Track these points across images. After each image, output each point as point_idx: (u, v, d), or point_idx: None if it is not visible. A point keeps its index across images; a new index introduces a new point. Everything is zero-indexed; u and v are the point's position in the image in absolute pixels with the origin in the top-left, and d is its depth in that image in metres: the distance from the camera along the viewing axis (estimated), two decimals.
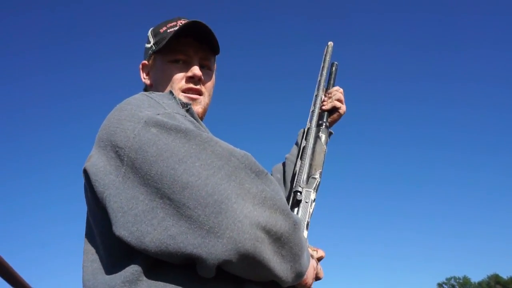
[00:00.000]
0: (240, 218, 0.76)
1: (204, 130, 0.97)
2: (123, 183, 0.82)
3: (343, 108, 1.51)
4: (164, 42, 1.15)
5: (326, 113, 1.48)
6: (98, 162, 0.87)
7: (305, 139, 1.40)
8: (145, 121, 0.85)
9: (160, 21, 1.27)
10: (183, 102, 0.99)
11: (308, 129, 1.43)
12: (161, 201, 0.78)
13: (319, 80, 1.53)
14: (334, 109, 1.50)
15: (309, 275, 0.95)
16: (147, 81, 1.25)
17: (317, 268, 1.03)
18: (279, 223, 0.80)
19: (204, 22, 1.15)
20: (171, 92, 1.02)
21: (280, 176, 1.50)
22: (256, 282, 0.85)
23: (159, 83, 1.19)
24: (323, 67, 1.56)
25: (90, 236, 0.97)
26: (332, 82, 1.57)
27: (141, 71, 1.27)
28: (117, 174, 0.84)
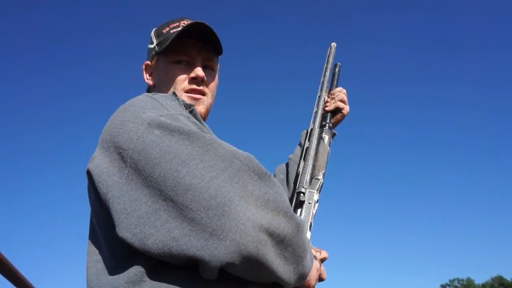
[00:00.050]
0: (243, 221, 0.76)
1: (207, 131, 0.97)
2: (126, 184, 0.82)
3: (346, 108, 1.50)
4: (167, 43, 1.15)
5: (329, 114, 1.48)
6: (102, 163, 0.87)
7: (308, 140, 1.39)
8: (148, 123, 0.85)
9: (162, 21, 1.27)
10: (186, 104, 0.99)
11: (311, 130, 1.42)
12: (164, 203, 0.78)
13: (322, 81, 1.53)
14: (337, 110, 1.49)
15: (312, 276, 0.95)
16: (150, 82, 1.25)
17: (320, 269, 1.02)
18: (282, 225, 0.80)
19: (207, 23, 1.15)
20: (174, 93, 1.02)
21: (283, 176, 1.50)
22: (259, 283, 0.85)
23: (162, 84, 1.19)
24: (326, 68, 1.56)
25: (93, 236, 0.97)
26: (335, 83, 1.56)
27: (144, 72, 1.27)
28: (120, 176, 0.84)
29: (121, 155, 0.85)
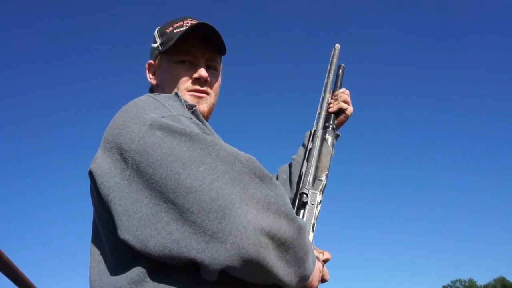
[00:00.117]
0: (243, 224, 0.75)
1: (209, 132, 0.97)
2: (128, 186, 0.82)
3: (349, 109, 1.50)
4: (171, 43, 1.15)
5: (332, 115, 1.48)
6: (104, 164, 0.87)
7: (312, 141, 1.40)
8: (150, 124, 0.85)
9: (163, 21, 1.27)
10: (188, 104, 0.99)
11: (315, 131, 1.43)
12: (165, 205, 0.78)
13: (326, 83, 1.53)
14: (341, 111, 1.49)
15: (314, 278, 0.94)
16: (153, 81, 1.25)
17: (323, 271, 1.02)
18: (283, 228, 0.80)
19: (210, 23, 1.15)
20: (176, 94, 1.01)
21: (286, 177, 1.50)
22: (260, 284, 0.84)
23: (165, 84, 1.19)
24: (330, 69, 1.56)
25: (96, 237, 0.97)
26: (339, 84, 1.56)
27: (147, 71, 1.27)
28: (122, 177, 0.84)
29: (123, 156, 0.85)
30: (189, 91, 1.16)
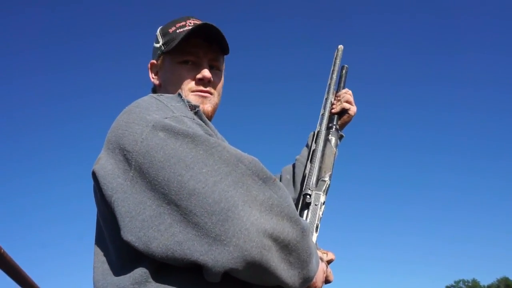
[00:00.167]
0: (246, 226, 0.75)
1: (212, 132, 0.96)
2: (131, 187, 0.82)
3: (353, 109, 1.50)
4: (174, 43, 1.15)
5: (336, 116, 1.48)
6: (107, 165, 0.87)
7: (315, 142, 1.40)
8: (153, 125, 0.85)
9: (164, 20, 1.27)
10: (191, 105, 0.98)
11: (318, 132, 1.43)
12: (168, 207, 0.78)
13: (329, 84, 1.53)
14: (344, 111, 1.49)
15: (318, 279, 0.94)
16: (156, 81, 1.24)
17: (326, 271, 1.02)
18: (286, 230, 0.79)
19: (214, 24, 1.14)
20: (179, 94, 1.01)
21: (289, 177, 1.50)
22: (263, 286, 0.84)
23: (168, 84, 1.19)
24: (333, 70, 1.56)
25: (100, 237, 0.97)
26: (342, 85, 1.57)
27: (149, 71, 1.27)
28: (125, 178, 0.83)
29: (126, 157, 0.84)
30: (192, 91, 1.16)
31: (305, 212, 1.22)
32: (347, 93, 1.51)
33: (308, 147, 1.48)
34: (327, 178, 1.30)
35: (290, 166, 1.55)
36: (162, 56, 1.21)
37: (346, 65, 1.61)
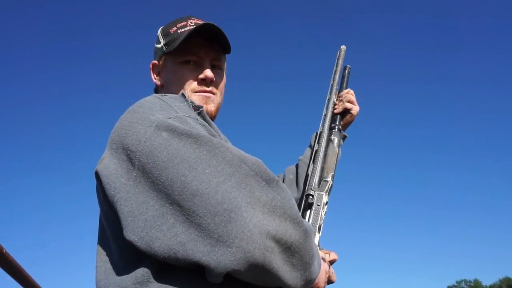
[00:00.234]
0: (249, 227, 0.75)
1: (216, 133, 0.96)
2: (134, 187, 0.82)
3: (355, 109, 1.50)
4: (176, 44, 1.15)
5: (338, 116, 1.48)
6: (110, 165, 0.87)
7: (318, 142, 1.40)
8: (157, 125, 0.85)
9: (165, 19, 1.27)
10: (195, 105, 0.98)
11: (321, 132, 1.43)
12: (171, 207, 0.78)
13: (331, 84, 1.53)
14: (346, 111, 1.49)
15: (320, 279, 0.94)
16: (158, 82, 1.24)
17: (329, 272, 1.01)
18: (289, 232, 0.79)
19: (215, 23, 1.14)
20: (183, 95, 1.01)
21: (292, 177, 1.51)
22: (265, 287, 0.84)
23: (170, 84, 1.19)
24: (335, 71, 1.57)
25: (103, 237, 0.97)
26: (344, 85, 1.57)
27: (151, 72, 1.27)
28: (128, 178, 0.83)
29: (129, 157, 0.85)
30: (195, 92, 1.15)
31: (308, 212, 1.23)
32: (349, 93, 1.51)
33: (311, 147, 1.48)
34: (329, 179, 1.30)
35: (293, 167, 1.55)
36: (163, 57, 1.21)
37: (348, 65, 1.61)
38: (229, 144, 0.85)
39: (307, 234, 0.83)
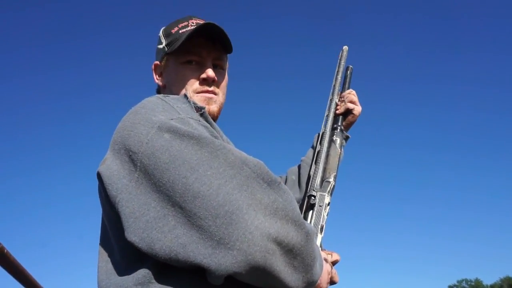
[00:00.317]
0: (251, 230, 0.75)
1: (218, 134, 0.96)
2: (136, 188, 0.82)
3: (357, 109, 1.50)
4: (177, 44, 1.14)
5: (340, 116, 1.48)
6: (112, 166, 0.87)
7: (320, 143, 1.40)
8: (159, 126, 0.84)
9: (166, 19, 1.26)
10: (197, 106, 0.98)
11: (323, 133, 1.43)
12: (172, 209, 0.78)
13: (334, 85, 1.54)
14: (348, 112, 1.49)
15: (323, 280, 0.94)
16: (160, 82, 1.24)
17: (331, 272, 1.01)
18: (290, 234, 0.79)
19: (216, 23, 1.14)
20: (185, 96, 1.01)
21: (295, 178, 1.51)
22: None
23: (172, 85, 1.19)
24: (337, 71, 1.57)
25: (105, 237, 0.97)
26: (347, 85, 1.57)
27: (153, 72, 1.26)
28: (130, 179, 0.83)
29: (132, 158, 0.84)
30: (197, 92, 1.15)
31: (310, 213, 1.22)
32: (350, 93, 1.51)
33: (313, 148, 1.48)
34: (331, 179, 1.30)
35: (295, 167, 1.55)
36: (165, 57, 1.21)
37: (351, 66, 1.61)
38: (231, 146, 0.85)
39: (308, 236, 0.82)
